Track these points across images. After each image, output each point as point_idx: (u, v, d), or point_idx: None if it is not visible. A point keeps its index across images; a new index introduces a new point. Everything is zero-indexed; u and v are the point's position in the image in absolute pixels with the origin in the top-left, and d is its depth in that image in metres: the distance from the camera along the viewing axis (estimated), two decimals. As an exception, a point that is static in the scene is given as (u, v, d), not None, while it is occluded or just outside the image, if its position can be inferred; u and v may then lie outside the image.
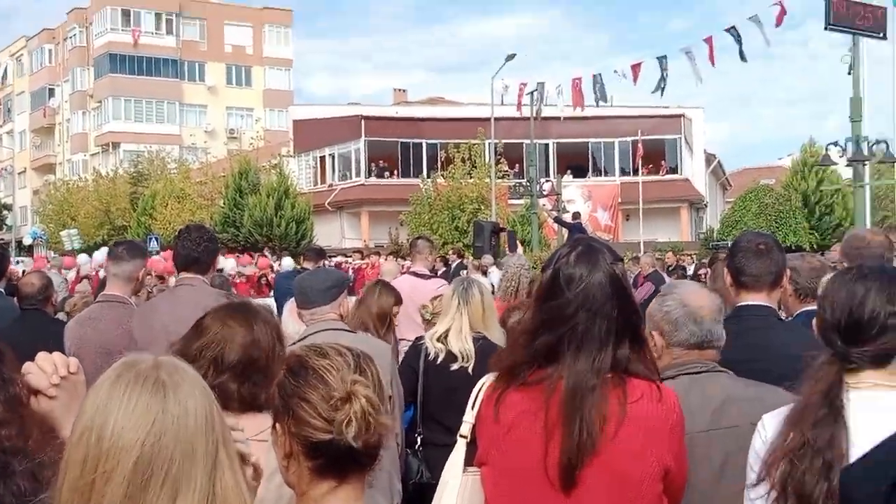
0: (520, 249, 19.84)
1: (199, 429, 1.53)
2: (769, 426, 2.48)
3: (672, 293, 3.22)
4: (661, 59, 23.79)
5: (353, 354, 2.06)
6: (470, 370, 4.84)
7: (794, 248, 29.51)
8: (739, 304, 3.78)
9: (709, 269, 13.22)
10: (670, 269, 19.08)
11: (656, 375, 2.61)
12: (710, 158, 52.69)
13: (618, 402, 2.47)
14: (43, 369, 2.09)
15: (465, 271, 18.91)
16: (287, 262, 18.13)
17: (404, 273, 9.68)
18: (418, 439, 5.16)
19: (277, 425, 2.04)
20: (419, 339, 5.38)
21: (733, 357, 3.20)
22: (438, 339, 5.10)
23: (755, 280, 3.73)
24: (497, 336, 5.01)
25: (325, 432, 1.94)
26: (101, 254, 16.31)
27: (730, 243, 4.53)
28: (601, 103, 28.35)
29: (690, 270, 21.52)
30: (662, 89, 23.75)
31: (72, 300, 8.13)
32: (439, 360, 5.03)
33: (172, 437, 1.50)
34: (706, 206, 51.89)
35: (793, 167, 41.79)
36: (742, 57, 21.97)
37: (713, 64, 22.61)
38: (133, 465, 1.47)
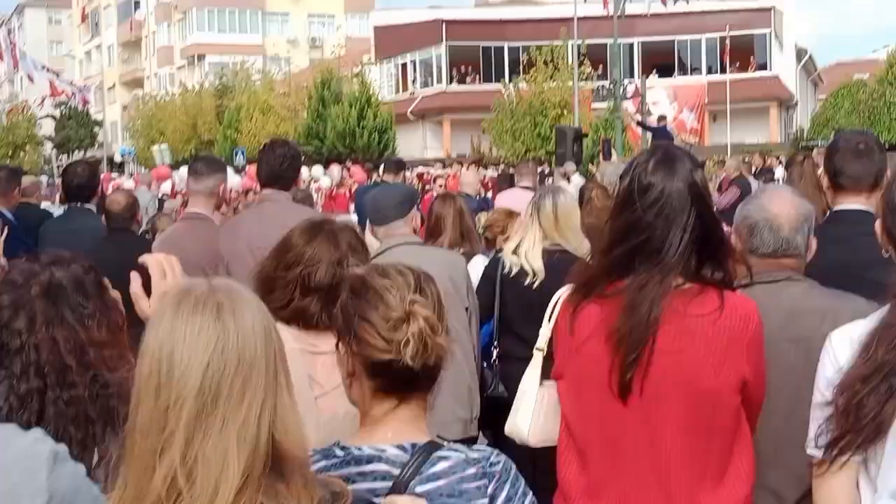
0: (615, 157, 19.49)
1: (259, 348, 1.60)
2: (837, 344, 2.37)
3: (756, 198, 3.13)
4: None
5: (413, 274, 2.05)
6: (541, 283, 4.73)
7: (889, 146, 28.50)
8: (836, 208, 3.63)
9: (785, 172, 12.82)
10: (757, 172, 18.54)
11: (747, 283, 2.59)
12: (800, 53, 50.69)
13: (690, 312, 2.45)
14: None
15: (550, 179, 18.74)
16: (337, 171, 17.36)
17: (513, 188, 9.80)
18: (494, 353, 5.16)
19: (340, 345, 2.06)
20: (498, 251, 5.37)
21: (826, 265, 3.09)
22: (514, 252, 5.06)
23: (854, 182, 3.54)
24: (576, 244, 4.91)
25: (385, 352, 1.95)
26: (185, 170, 16.57)
27: (820, 143, 4.39)
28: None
29: (779, 173, 20.96)
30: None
31: (158, 218, 8.28)
32: (513, 273, 4.99)
33: (235, 357, 1.56)
34: (796, 104, 50.20)
35: (888, 60, 39.84)
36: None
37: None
38: (200, 387, 1.54)
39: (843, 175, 3.59)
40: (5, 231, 5.73)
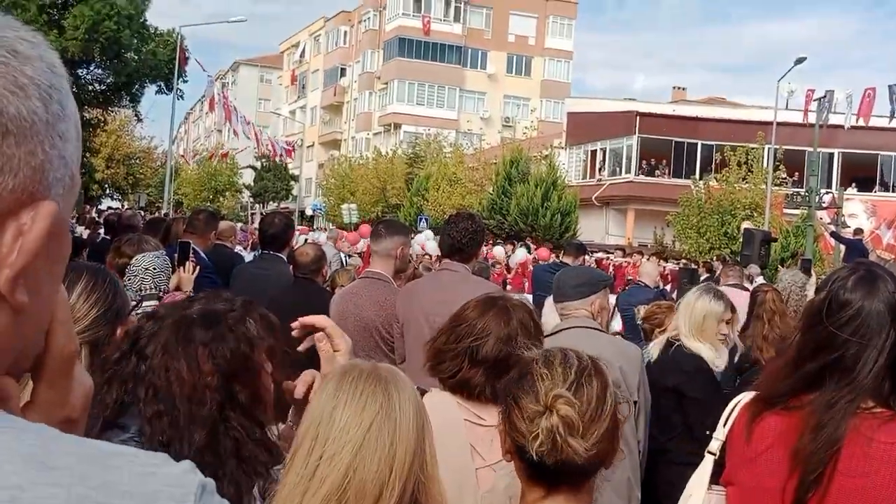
0: (812, 279, 18.89)
1: (413, 421, 1.69)
2: None
3: None
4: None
5: (580, 366, 2.01)
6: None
7: None
8: None
9: None
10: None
11: None
12: None
13: (879, 438, 2.32)
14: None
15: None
16: (520, 253, 17.33)
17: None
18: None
19: (501, 419, 2.06)
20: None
21: None
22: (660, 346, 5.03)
23: None
24: (703, 348, 4.82)
25: (522, 439, 1.94)
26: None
27: None
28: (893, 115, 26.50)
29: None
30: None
31: (338, 273, 8.51)
32: (654, 366, 4.95)
33: (394, 424, 1.66)
34: None
35: None
36: None
37: None
38: (354, 452, 1.62)
39: None
40: (197, 269, 6.05)
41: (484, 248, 18.32)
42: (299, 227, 29.82)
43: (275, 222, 6.72)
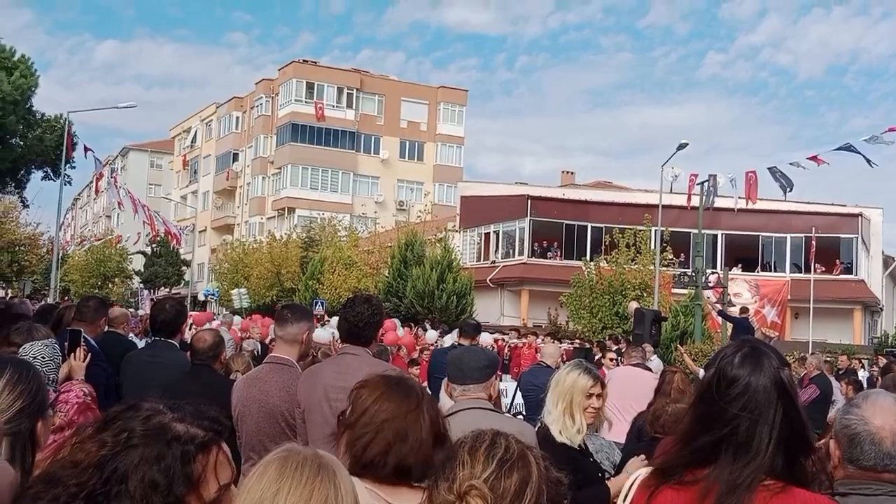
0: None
1: None
2: None
3: (859, 405, 3.02)
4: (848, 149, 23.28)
5: (502, 457, 1.95)
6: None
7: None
8: None
9: (880, 378, 12.51)
10: (841, 372, 18.12)
11: (823, 486, 2.52)
12: (888, 261, 50.29)
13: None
14: None
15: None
16: (450, 338, 17.12)
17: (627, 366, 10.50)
18: None
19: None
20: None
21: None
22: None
23: None
24: (556, 422, 4.88)
25: None
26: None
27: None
28: (786, 193, 27.64)
29: (862, 375, 20.45)
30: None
31: (233, 359, 8.35)
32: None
33: None
34: (882, 309, 49.39)
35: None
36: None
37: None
38: None
39: None
40: (88, 357, 5.91)
41: (395, 332, 18.11)
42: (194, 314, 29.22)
43: (166, 308, 6.59)
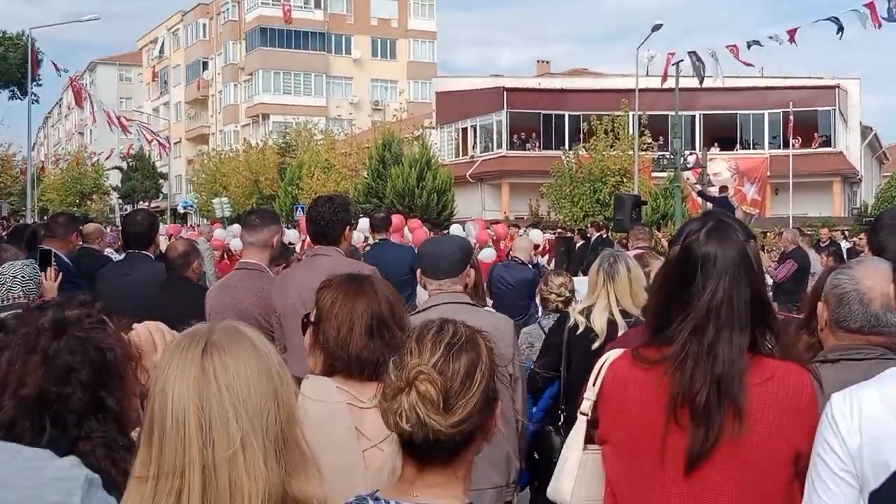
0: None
1: (252, 389, 1.63)
2: (837, 411, 2.19)
3: (850, 268, 2.99)
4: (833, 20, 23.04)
5: (449, 340, 1.94)
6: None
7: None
8: None
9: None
10: (824, 244, 18.20)
11: (788, 354, 2.51)
12: (865, 131, 50.34)
13: (749, 381, 2.38)
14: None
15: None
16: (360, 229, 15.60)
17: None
18: (561, 416, 5.05)
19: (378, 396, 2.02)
20: (564, 312, 5.30)
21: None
22: (581, 313, 5.01)
23: None
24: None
25: (390, 416, 1.90)
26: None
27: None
28: (766, 63, 27.28)
29: (844, 246, 20.58)
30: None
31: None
32: (581, 332, 4.93)
33: (216, 396, 1.60)
34: (861, 180, 49.67)
35: (957, 141, 39.47)
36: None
37: (878, 25, 21.63)
38: (197, 426, 1.58)
39: (888, 251, 3.52)
40: (59, 276, 5.87)
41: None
42: (173, 226, 29.09)
43: (137, 220, 6.50)
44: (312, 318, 3.03)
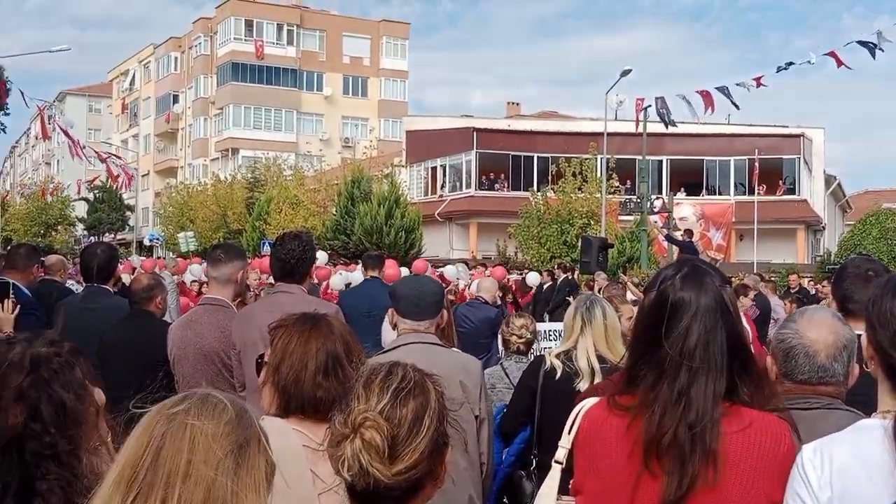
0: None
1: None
2: (808, 461, 2.21)
3: (794, 320, 3.04)
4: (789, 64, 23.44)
5: (398, 386, 1.91)
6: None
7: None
8: None
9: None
10: (793, 291, 18.08)
11: (769, 404, 2.46)
12: (829, 179, 51.12)
13: (726, 430, 2.34)
14: None
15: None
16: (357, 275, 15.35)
17: None
18: (533, 461, 5.03)
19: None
20: (539, 356, 5.29)
21: (852, 391, 3.00)
22: (558, 357, 5.01)
23: (862, 308, 3.47)
24: (620, 354, 4.82)
25: (334, 463, 1.88)
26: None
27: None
28: (733, 111, 27.67)
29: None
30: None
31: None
32: (558, 377, 4.92)
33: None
34: (824, 228, 50.29)
35: (918, 191, 40.16)
36: (873, 55, 21.28)
37: (845, 66, 22.01)
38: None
39: (851, 301, 3.61)
40: (17, 308, 5.74)
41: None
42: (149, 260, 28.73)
43: (97, 253, 6.40)
44: (267, 358, 2.98)
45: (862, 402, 2.70)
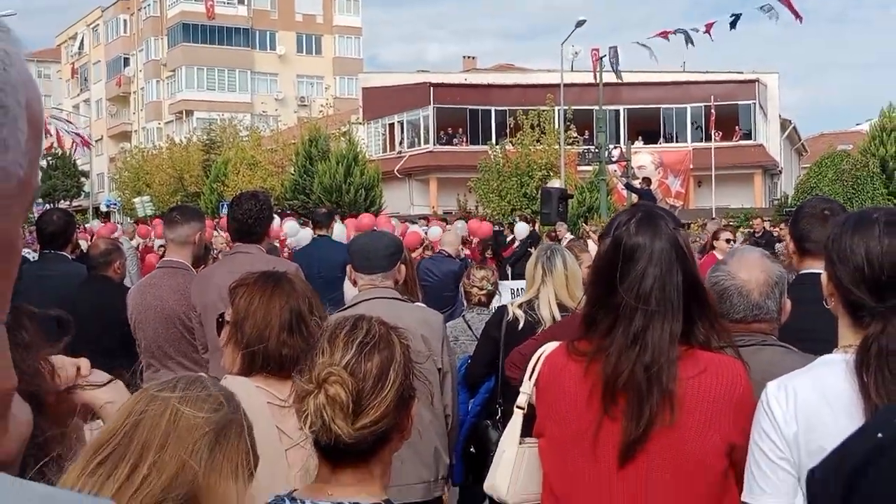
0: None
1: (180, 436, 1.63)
2: (773, 396, 2.24)
3: (725, 262, 3.11)
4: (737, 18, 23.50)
5: (362, 339, 1.90)
6: None
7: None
8: (802, 271, 3.70)
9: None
10: (757, 236, 17.76)
11: (722, 339, 2.51)
12: (785, 124, 51.52)
13: (682, 375, 2.37)
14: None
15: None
16: (305, 234, 15.26)
17: None
18: (499, 410, 5.08)
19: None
20: (501, 307, 5.31)
21: (796, 327, 3.07)
22: (520, 307, 5.03)
23: (819, 247, 3.46)
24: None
25: (300, 418, 1.88)
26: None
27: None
28: (688, 47, 27.73)
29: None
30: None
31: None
32: (520, 327, 4.94)
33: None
34: (781, 172, 50.78)
35: (871, 132, 40.65)
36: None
37: (798, 18, 22.09)
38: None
39: (809, 240, 3.69)
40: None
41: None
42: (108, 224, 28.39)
43: (53, 219, 6.32)
44: (228, 318, 2.97)
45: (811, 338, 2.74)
